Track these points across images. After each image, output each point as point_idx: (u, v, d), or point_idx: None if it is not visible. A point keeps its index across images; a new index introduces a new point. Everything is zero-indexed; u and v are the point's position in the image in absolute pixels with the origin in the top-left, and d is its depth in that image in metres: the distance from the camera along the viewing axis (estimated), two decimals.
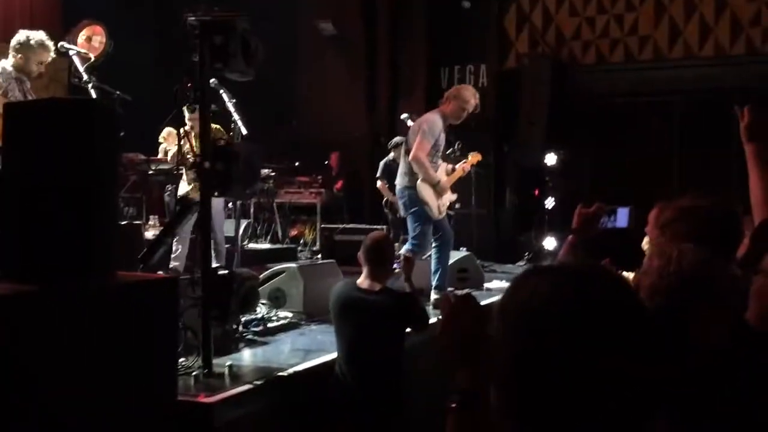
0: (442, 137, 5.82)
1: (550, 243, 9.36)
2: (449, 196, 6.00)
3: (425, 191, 5.69)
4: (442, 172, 5.93)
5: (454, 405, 1.29)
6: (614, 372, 0.98)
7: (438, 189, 5.77)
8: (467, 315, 1.35)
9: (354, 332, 3.73)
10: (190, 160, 5.44)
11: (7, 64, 4.86)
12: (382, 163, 8.76)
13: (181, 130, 6.16)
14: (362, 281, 3.79)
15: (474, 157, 6.61)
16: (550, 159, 9.73)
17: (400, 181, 5.90)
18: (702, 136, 9.22)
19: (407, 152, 5.80)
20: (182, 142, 6.05)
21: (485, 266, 7.87)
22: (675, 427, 1.35)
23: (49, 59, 4.95)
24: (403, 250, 5.86)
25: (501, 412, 1.08)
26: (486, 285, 7.10)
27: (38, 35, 4.91)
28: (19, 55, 4.86)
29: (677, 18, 9.86)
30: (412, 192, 5.72)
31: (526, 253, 9.66)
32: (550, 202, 9.71)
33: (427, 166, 5.67)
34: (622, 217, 2.37)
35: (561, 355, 0.99)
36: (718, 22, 9.67)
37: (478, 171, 9.37)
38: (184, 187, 6.28)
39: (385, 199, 8.86)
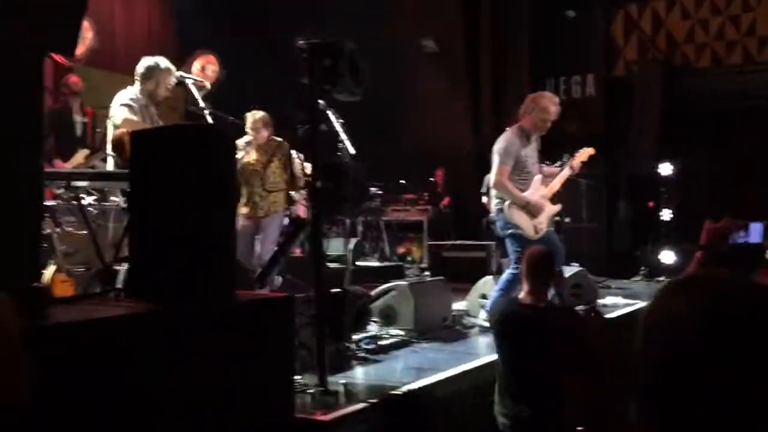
0: (526, 152, 5.56)
1: (667, 257, 8.96)
2: (550, 210, 5.69)
3: (515, 213, 5.50)
4: (536, 185, 5.64)
5: (581, 429, 1.27)
6: (730, 387, 0.97)
7: (530, 209, 5.53)
8: (595, 331, 1.33)
9: (517, 349, 3.68)
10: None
11: (137, 91, 4.92)
12: (486, 179, 8.65)
13: (242, 141, 6.14)
14: (524, 297, 3.75)
15: (584, 153, 5.83)
16: (665, 168, 9.32)
17: (493, 204, 5.72)
18: None
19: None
20: (242, 155, 6.01)
21: (599, 282, 7.61)
22: None
23: (173, 83, 5.03)
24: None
25: (642, 427, 1.07)
26: (600, 301, 6.87)
27: (163, 60, 5.00)
28: (150, 81, 4.91)
29: None
30: (503, 215, 5.56)
31: (642, 268, 9.27)
32: (666, 214, 9.30)
33: (511, 189, 5.48)
34: (756, 233, 2.22)
35: (688, 370, 0.99)
36: None
37: (589, 184, 9.10)
38: (243, 209, 6.15)
39: (490, 214, 8.73)
